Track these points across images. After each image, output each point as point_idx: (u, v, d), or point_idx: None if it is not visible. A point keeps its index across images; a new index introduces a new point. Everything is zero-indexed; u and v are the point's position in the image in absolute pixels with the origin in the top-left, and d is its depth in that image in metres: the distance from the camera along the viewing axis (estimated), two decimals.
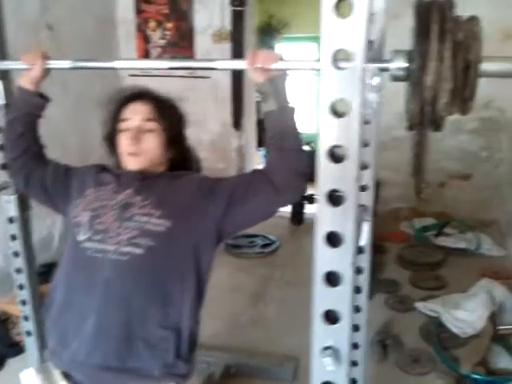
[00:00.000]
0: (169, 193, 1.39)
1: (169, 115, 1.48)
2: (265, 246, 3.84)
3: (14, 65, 1.53)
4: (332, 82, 0.73)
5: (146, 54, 4.28)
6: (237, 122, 4.33)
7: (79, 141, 3.59)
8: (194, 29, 4.18)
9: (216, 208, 1.33)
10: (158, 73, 4.12)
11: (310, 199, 4.25)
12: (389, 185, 3.95)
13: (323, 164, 0.75)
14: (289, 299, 3.04)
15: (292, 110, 1.28)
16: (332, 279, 0.80)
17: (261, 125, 5.80)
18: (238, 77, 4.13)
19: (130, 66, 1.39)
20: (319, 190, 0.76)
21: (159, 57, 4.29)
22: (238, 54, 4.01)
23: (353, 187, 0.75)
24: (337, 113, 0.73)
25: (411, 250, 3.62)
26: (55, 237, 3.49)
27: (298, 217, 4.30)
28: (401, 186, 4.05)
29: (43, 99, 1.52)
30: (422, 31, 0.83)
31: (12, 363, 2.50)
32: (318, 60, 0.76)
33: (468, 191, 4.14)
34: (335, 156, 0.74)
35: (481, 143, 4.06)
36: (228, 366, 2.27)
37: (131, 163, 1.43)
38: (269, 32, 6.93)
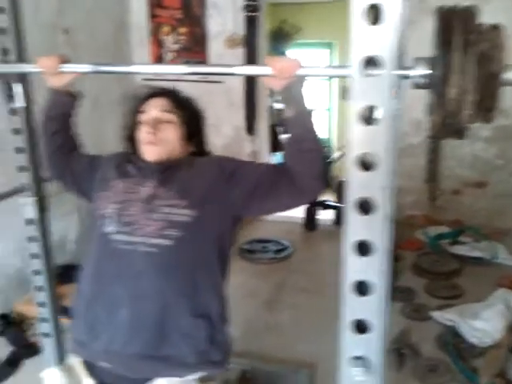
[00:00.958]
0: (191, 182, 1.41)
1: (187, 110, 1.53)
2: (278, 251, 3.83)
3: (32, 68, 1.54)
4: (362, 88, 0.72)
5: (159, 59, 4.30)
6: (250, 127, 4.33)
7: (94, 143, 3.61)
8: (207, 34, 4.20)
9: (237, 197, 1.38)
10: (171, 77, 4.14)
11: (324, 205, 4.24)
12: (403, 192, 3.93)
13: (352, 172, 0.73)
14: (303, 305, 3.03)
15: (310, 113, 1.30)
16: (362, 288, 0.78)
17: (274, 129, 5.81)
18: (251, 82, 4.13)
19: (148, 70, 1.39)
20: (348, 197, 0.74)
21: (173, 61, 4.31)
22: (251, 59, 4.02)
23: (382, 195, 0.73)
24: (366, 120, 0.72)
25: (426, 258, 3.58)
26: (71, 239, 3.51)
27: (311, 222, 4.28)
28: (415, 192, 4.03)
29: (73, 97, 1.54)
30: (444, 42, 0.83)
31: (27, 364, 2.51)
32: (347, 66, 0.75)
33: (483, 199, 4.10)
34: (364, 163, 0.73)
35: (496, 151, 4.02)
36: (244, 371, 2.26)
37: (149, 152, 1.45)
38: (281, 37, 6.94)
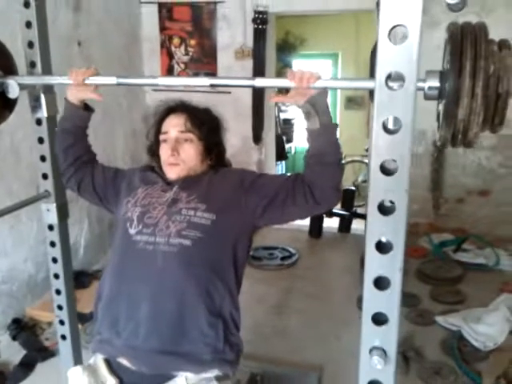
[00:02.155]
0: (212, 188, 1.49)
1: (203, 124, 1.57)
2: (284, 258, 3.89)
3: (57, 80, 1.60)
4: (385, 100, 0.79)
5: (169, 70, 4.39)
6: (257, 136, 4.40)
7: (104, 150, 3.70)
8: (216, 46, 4.28)
9: (256, 206, 1.44)
10: (180, 88, 4.23)
11: (329, 213, 4.31)
12: (408, 200, 3.99)
13: (375, 176, 0.81)
14: (310, 311, 3.09)
15: (334, 126, 1.34)
16: (381, 283, 0.85)
17: (280, 139, 5.89)
18: (258, 92, 4.21)
19: (170, 83, 1.46)
20: (370, 200, 0.82)
21: (182, 73, 4.40)
22: (259, 70, 4.11)
23: (403, 198, 0.81)
24: (389, 130, 0.79)
25: (430, 264, 3.65)
26: (81, 245, 3.57)
27: (316, 230, 4.35)
28: (420, 201, 4.09)
29: (88, 111, 1.61)
30: (455, 67, 0.87)
31: (41, 367, 2.56)
32: (369, 79, 0.83)
33: (486, 207, 4.16)
34: (386, 169, 0.80)
35: (499, 160, 4.09)
36: (254, 374, 2.31)
37: (171, 173, 1.54)
38: (285, 49, 7.04)
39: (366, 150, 5.88)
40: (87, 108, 1.61)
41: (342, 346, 2.70)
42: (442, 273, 3.53)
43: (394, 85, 0.79)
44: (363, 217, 4.32)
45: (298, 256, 3.93)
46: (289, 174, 1.51)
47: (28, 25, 1.64)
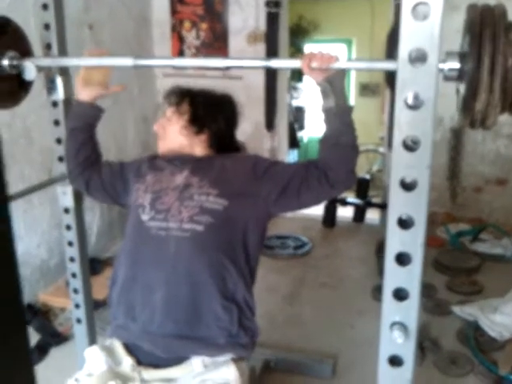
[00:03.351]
0: (224, 173, 1.48)
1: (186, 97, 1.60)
2: (297, 247, 3.87)
3: (72, 62, 1.60)
4: (408, 78, 0.79)
5: (180, 54, 4.36)
6: (269, 123, 4.37)
7: (114, 140, 3.70)
8: (228, 30, 4.24)
9: (269, 193, 1.43)
10: (191, 73, 4.21)
11: (343, 202, 4.27)
12: None
13: (398, 152, 0.80)
14: (323, 300, 3.07)
15: (350, 108, 1.34)
16: (402, 259, 0.85)
17: (292, 126, 5.84)
18: (271, 77, 4.17)
19: (188, 64, 1.45)
20: (392, 176, 0.80)
21: (193, 56, 4.36)
22: (272, 55, 4.06)
23: (425, 174, 0.81)
24: (411, 107, 0.78)
25: (447, 254, 3.60)
26: (93, 232, 3.58)
27: (330, 219, 4.31)
28: (437, 190, 4.03)
29: (99, 110, 1.61)
30: (475, 48, 0.87)
31: (55, 352, 2.58)
32: (390, 60, 0.81)
33: (503, 196, 4.10)
34: (409, 145, 0.78)
35: None
36: (268, 360, 2.30)
37: (159, 147, 1.61)
38: (299, 33, 6.97)
39: (381, 139, 5.81)
40: (97, 107, 1.61)
41: (357, 334, 2.68)
42: (459, 263, 3.49)
43: (417, 61, 0.79)
44: (378, 206, 4.28)
45: (311, 245, 3.91)
46: (301, 162, 1.50)
47: (45, 7, 1.65)
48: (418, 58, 0.78)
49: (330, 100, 1.30)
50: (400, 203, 0.82)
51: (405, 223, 0.83)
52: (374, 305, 2.95)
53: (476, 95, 0.87)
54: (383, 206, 4.19)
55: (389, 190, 0.80)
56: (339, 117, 1.32)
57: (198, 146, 1.58)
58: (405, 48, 0.79)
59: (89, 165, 1.62)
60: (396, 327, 0.87)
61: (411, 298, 0.86)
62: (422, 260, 0.83)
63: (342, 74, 1.29)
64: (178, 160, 1.55)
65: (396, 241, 0.83)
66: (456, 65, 0.90)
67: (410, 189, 0.81)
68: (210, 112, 1.59)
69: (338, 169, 1.35)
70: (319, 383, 2.29)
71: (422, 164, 0.80)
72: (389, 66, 0.91)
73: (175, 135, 1.57)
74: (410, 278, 0.85)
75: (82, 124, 1.59)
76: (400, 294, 0.86)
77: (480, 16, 0.90)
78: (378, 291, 3.06)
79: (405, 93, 0.79)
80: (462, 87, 0.95)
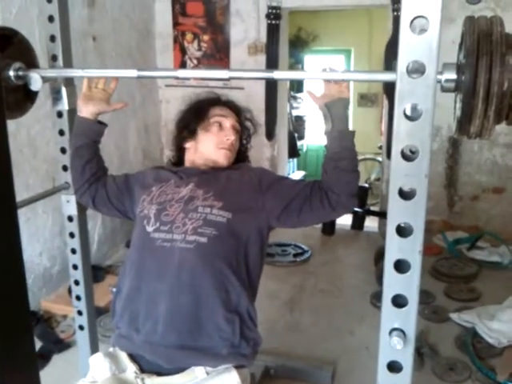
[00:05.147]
0: (229, 186, 1.51)
1: (245, 128, 1.68)
2: (297, 255, 3.90)
3: (77, 73, 1.63)
4: (406, 88, 0.82)
5: (182, 66, 4.41)
6: (269, 133, 4.40)
7: (116, 149, 3.73)
8: (229, 41, 4.29)
9: (272, 208, 1.46)
10: (193, 83, 4.26)
11: None
12: None
13: (396, 162, 0.83)
14: (323, 307, 3.10)
15: (351, 133, 1.38)
16: (400, 266, 0.87)
17: (292, 136, 5.88)
18: (271, 88, 4.21)
19: (192, 75, 1.48)
20: (391, 185, 0.83)
21: (195, 68, 4.41)
22: (272, 66, 4.10)
23: (423, 183, 0.83)
24: (410, 117, 0.81)
25: (445, 262, 3.63)
26: (95, 240, 3.61)
27: (329, 227, 4.33)
28: (434, 198, 4.06)
29: (102, 126, 1.64)
30: (472, 59, 0.88)
31: (57, 359, 2.59)
32: (389, 71, 0.85)
33: (500, 205, 4.13)
34: (407, 155, 0.81)
35: None
36: (268, 367, 2.32)
37: (222, 157, 1.58)
38: (298, 45, 7.04)
39: (380, 148, 5.86)
40: (101, 122, 1.64)
41: (356, 341, 2.70)
42: (457, 270, 3.52)
43: (415, 73, 0.82)
44: (376, 214, 4.31)
45: (311, 253, 3.94)
46: (307, 180, 1.53)
47: (50, 19, 1.67)
48: (417, 70, 0.81)
49: (331, 124, 1.34)
50: (399, 211, 0.84)
51: (403, 231, 0.85)
52: (372, 311, 2.98)
53: (473, 107, 0.89)
54: (382, 215, 4.23)
55: (387, 199, 0.83)
56: (339, 141, 1.36)
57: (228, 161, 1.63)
58: (403, 60, 0.82)
59: (95, 181, 1.64)
60: (395, 333, 0.89)
61: (410, 305, 0.88)
62: (420, 267, 0.85)
63: (344, 99, 1.34)
64: (183, 172, 1.58)
65: (395, 248, 0.86)
66: (453, 76, 0.92)
67: (408, 197, 0.84)
68: (246, 130, 1.69)
69: (339, 191, 1.38)
70: None
71: (420, 173, 0.83)
72: (388, 77, 0.94)
73: (235, 153, 1.62)
74: (408, 284, 0.87)
75: (86, 141, 1.61)
76: (399, 301, 0.88)
77: (477, 28, 0.93)
78: (376, 298, 3.09)
79: (403, 104, 0.82)
80: (459, 98, 0.98)
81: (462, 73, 0.91)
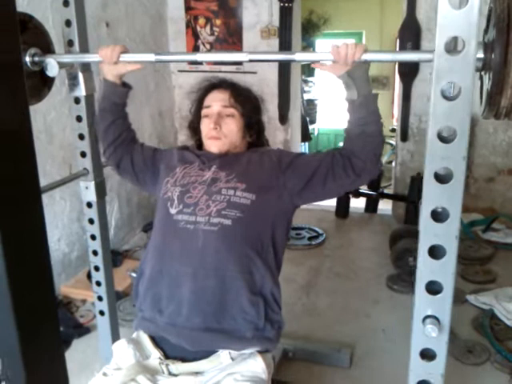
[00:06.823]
0: (251, 168, 1.50)
1: (245, 101, 1.59)
2: (312, 238, 3.89)
3: (94, 58, 1.59)
4: (444, 67, 0.79)
5: (195, 50, 4.37)
6: (283, 117, 4.37)
7: None
8: (242, 25, 4.24)
9: (295, 184, 1.45)
10: (205, 68, 4.23)
11: (356, 193, 4.28)
12: None
13: (433, 144, 0.80)
14: (339, 290, 3.10)
15: (376, 96, 1.35)
16: (436, 253, 0.85)
17: (304, 119, 5.85)
18: (284, 71, 4.17)
19: (211, 58, 1.47)
20: (427, 168, 0.81)
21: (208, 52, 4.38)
22: (285, 49, 4.06)
23: (461, 165, 0.81)
24: (447, 97, 0.78)
25: (460, 244, 3.58)
26: (112, 225, 3.62)
27: (343, 210, 4.33)
28: None
29: (126, 88, 1.62)
30: (501, 51, 0.86)
31: (77, 343, 2.62)
32: (422, 51, 0.82)
33: None
34: (444, 136, 0.80)
35: None
36: (286, 350, 2.33)
37: (212, 146, 1.55)
38: (309, 28, 6.96)
39: (391, 131, 5.83)
40: (124, 85, 1.62)
41: (373, 323, 2.70)
42: (472, 252, 3.49)
43: (454, 50, 0.79)
44: (390, 197, 4.29)
45: (325, 236, 3.93)
46: (325, 151, 1.51)
47: (65, 3, 1.66)
48: (455, 47, 0.79)
49: (353, 92, 1.31)
50: (434, 195, 0.82)
51: (439, 216, 0.83)
52: (388, 294, 2.98)
53: (502, 87, 0.86)
54: (396, 197, 4.21)
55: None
56: (364, 106, 1.33)
57: (242, 144, 1.60)
58: (441, 37, 0.78)
59: (120, 144, 1.64)
60: (429, 321, 0.87)
61: (445, 292, 0.86)
62: (456, 253, 0.83)
63: (366, 63, 1.27)
64: (205, 156, 1.57)
65: (430, 233, 0.84)
66: (480, 54, 0.88)
67: (444, 181, 0.82)
68: (258, 113, 1.64)
69: (363, 157, 1.36)
70: (337, 372, 2.32)
71: (458, 155, 0.80)
72: (423, 56, 0.91)
73: (235, 134, 1.56)
74: (443, 271, 0.85)
75: (110, 104, 1.60)
76: (433, 288, 0.87)
77: (507, 6, 0.90)
78: (392, 281, 3.09)
79: (441, 83, 0.79)
80: (488, 76, 0.96)
81: (490, 52, 0.88)
